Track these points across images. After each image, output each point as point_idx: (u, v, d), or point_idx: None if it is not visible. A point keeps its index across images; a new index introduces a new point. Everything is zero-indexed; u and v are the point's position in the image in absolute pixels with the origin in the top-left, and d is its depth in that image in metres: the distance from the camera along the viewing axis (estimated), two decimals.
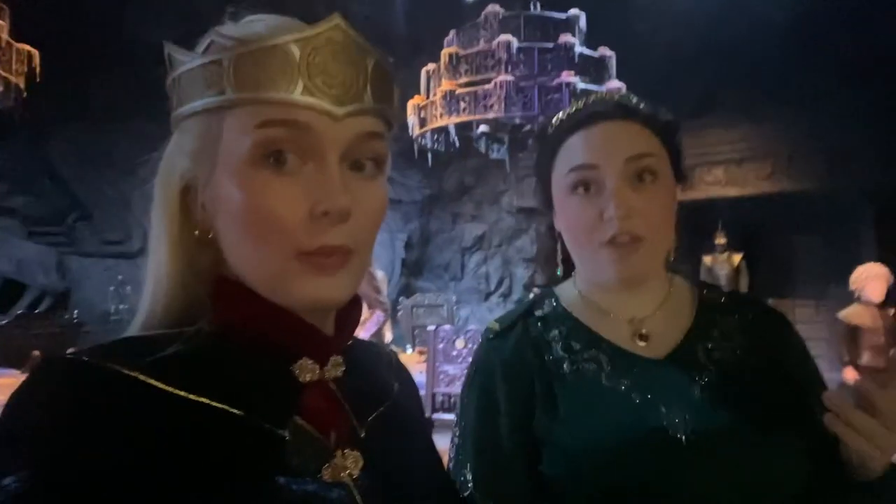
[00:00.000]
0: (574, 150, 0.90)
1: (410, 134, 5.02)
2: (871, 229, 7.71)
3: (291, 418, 0.58)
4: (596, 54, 4.58)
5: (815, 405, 0.90)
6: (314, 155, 0.56)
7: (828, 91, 7.20)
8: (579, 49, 4.49)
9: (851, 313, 5.29)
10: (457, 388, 3.42)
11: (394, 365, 0.80)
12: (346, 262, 0.57)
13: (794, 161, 8.14)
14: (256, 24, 0.59)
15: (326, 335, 0.63)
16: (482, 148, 5.54)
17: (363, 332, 3.35)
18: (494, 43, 4.37)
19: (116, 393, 0.52)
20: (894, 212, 7.04)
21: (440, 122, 4.58)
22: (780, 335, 0.96)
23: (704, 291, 0.98)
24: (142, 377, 0.53)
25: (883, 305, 5.18)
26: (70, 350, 0.55)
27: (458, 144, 5.01)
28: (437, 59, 4.93)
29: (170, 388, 0.54)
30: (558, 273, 1.00)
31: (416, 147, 5.14)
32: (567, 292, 0.98)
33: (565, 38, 4.39)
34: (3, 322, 5.16)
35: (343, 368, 0.64)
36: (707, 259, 8.63)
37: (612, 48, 4.81)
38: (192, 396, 0.54)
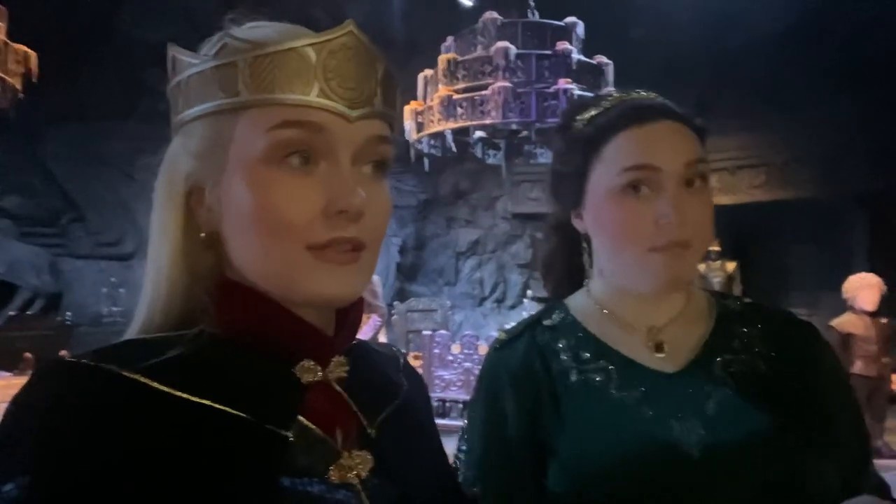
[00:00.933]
0: (629, 148, 0.84)
1: (407, 138, 5.03)
2: (864, 238, 7.76)
3: (295, 419, 0.58)
4: (593, 62, 4.60)
5: (843, 424, 0.88)
6: (327, 155, 0.57)
7: (821, 99, 7.25)
8: (577, 56, 4.51)
9: (844, 322, 5.31)
10: (452, 393, 3.42)
11: (402, 365, 0.80)
12: (358, 258, 0.58)
13: (787, 169, 8.18)
14: (264, 28, 0.60)
15: (328, 336, 0.63)
16: (478, 153, 5.55)
17: (360, 336, 3.32)
18: (492, 49, 4.38)
19: (118, 396, 0.52)
20: (888, 220, 7.08)
21: (437, 128, 4.59)
22: (808, 347, 0.90)
23: (724, 300, 0.94)
24: (143, 380, 0.53)
25: (875, 314, 5.21)
26: (70, 353, 0.54)
27: (454, 150, 5.01)
28: (433, 63, 4.95)
29: (172, 391, 0.53)
30: (588, 270, 0.94)
31: (412, 152, 5.15)
32: (579, 302, 0.94)
33: (563, 45, 4.41)
34: None
35: (346, 369, 0.64)
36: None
37: (608, 56, 4.84)
38: (194, 399, 0.54)
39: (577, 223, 0.92)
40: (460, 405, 3.30)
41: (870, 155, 7.16)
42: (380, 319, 3.27)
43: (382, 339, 5.37)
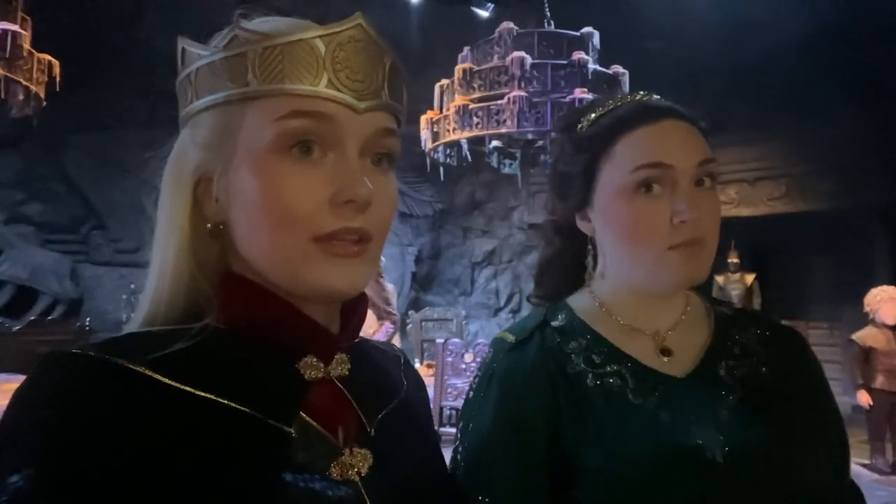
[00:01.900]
0: (642, 147, 0.83)
1: (423, 148, 5.04)
2: (885, 250, 7.64)
3: (297, 415, 0.58)
4: (609, 72, 4.59)
5: (832, 427, 0.89)
6: (335, 146, 0.57)
7: (842, 109, 7.17)
8: (592, 66, 4.51)
9: (865, 335, 5.23)
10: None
11: (403, 364, 0.80)
12: (364, 250, 0.58)
13: (807, 181, 8.09)
14: (274, 22, 0.60)
15: (331, 333, 0.63)
16: (494, 163, 5.55)
17: None
18: (508, 59, 4.40)
19: (122, 388, 0.52)
20: None
21: (453, 137, 4.60)
22: (797, 352, 0.92)
23: (718, 306, 0.95)
24: (148, 372, 0.53)
25: None
26: (75, 346, 0.54)
27: (469, 159, 5.02)
28: (450, 74, 4.97)
29: (176, 384, 0.54)
30: (591, 272, 0.92)
31: (428, 161, 5.16)
32: (582, 303, 0.92)
33: (579, 55, 4.41)
34: (16, 328, 5.20)
35: (348, 366, 0.64)
36: (720, 278, 8.57)
37: (624, 65, 4.83)
38: (198, 392, 0.54)
39: (582, 225, 0.91)
40: None
41: (891, 166, 7.06)
42: (392, 326, 3.27)
43: (396, 340, 5.37)
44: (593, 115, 0.89)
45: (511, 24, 4.79)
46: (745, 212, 8.61)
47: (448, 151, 5.09)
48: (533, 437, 0.82)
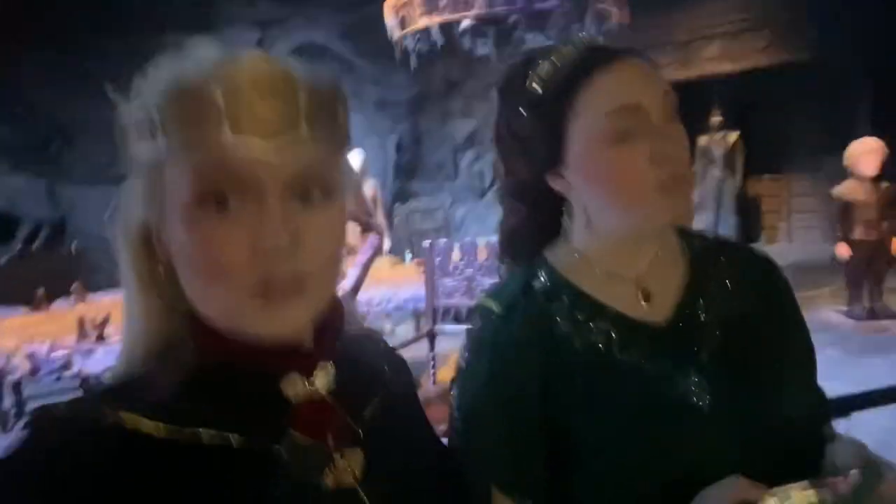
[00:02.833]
0: (606, 92, 0.81)
1: (390, 37, 4.82)
2: (869, 102, 7.55)
3: (285, 433, 0.60)
4: None
5: (801, 351, 0.92)
6: (253, 193, 0.56)
7: None
8: None
9: (844, 190, 5.30)
10: (455, 300, 3.49)
11: (382, 351, 0.81)
12: (302, 288, 0.57)
13: (790, 32, 7.84)
14: (173, 69, 0.57)
15: (307, 349, 0.64)
16: (467, 45, 5.32)
17: (360, 256, 3.36)
18: None
19: (111, 438, 0.54)
20: (893, 85, 6.85)
21: (421, 24, 4.38)
22: (769, 282, 0.94)
23: (690, 239, 0.94)
24: (134, 418, 0.55)
25: (877, 179, 5.19)
26: (62, 404, 0.56)
27: (441, 44, 4.81)
28: None
29: (161, 425, 0.56)
30: (568, 227, 0.91)
31: (397, 50, 4.94)
32: (561, 258, 0.91)
33: None
34: (4, 260, 5.20)
35: (332, 376, 0.65)
36: (702, 139, 8.51)
37: None
38: (186, 430, 0.56)
39: (556, 183, 0.88)
40: (464, 311, 3.38)
41: (878, 18, 6.80)
42: (377, 238, 3.27)
43: (386, 242, 5.39)
44: (543, 72, 0.85)
45: None
46: (727, 67, 8.41)
47: (418, 37, 4.86)
48: (528, 408, 0.83)
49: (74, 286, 4.72)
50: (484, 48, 5.54)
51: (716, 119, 8.53)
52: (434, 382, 3.33)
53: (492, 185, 9.73)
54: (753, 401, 0.82)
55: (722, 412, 0.81)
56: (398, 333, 4.58)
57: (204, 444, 0.57)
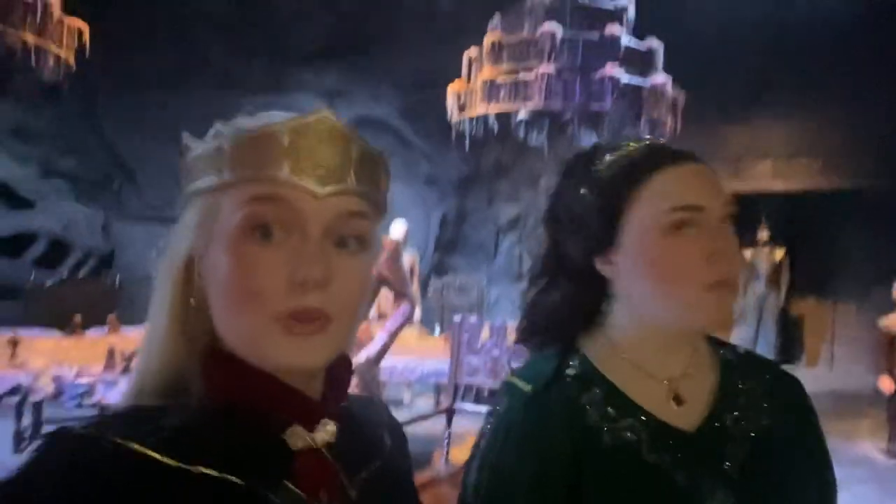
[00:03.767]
0: (675, 187, 0.85)
1: (448, 118, 5.00)
2: None
3: (283, 485, 0.61)
4: (643, 47, 4.47)
5: (822, 471, 0.91)
6: (297, 229, 0.61)
7: (882, 86, 6.90)
8: (625, 41, 4.39)
9: (892, 322, 5.15)
10: (478, 379, 3.45)
11: (386, 421, 0.82)
12: (325, 328, 0.61)
13: (844, 158, 7.85)
14: (255, 119, 0.65)
15: (314, 401, 0.66)
16: (520, 134, 5.49)
17: (389, 322, 3.37)
18: (538, 32, 4.30)
19: (118, 467, 0.56)
20: None
21: (479, 110, 4.55)
22: (797, 403, 0.93)
23: (721, 349, 0.94)
24: (141, 450, 0.57)
25: None
26: (75, 426, 0.58)
27: (496, 131, 4.97)
28: (480, 40, 4.87)
29: (167, 460, 0.57)
30: (607, 315, 0.91)
31: (453, 132, 5.13)
32: (595, 348, 0.90)
33: (612, 28, 4.30)
34: (49, 284, 5.37)
35: (334, 432, 0.66)
36: (749, 252, 8.43)
37: (661, 36, 4.69)
38: (191, 469, 0.58)
39: (604, 267, 0.89)
40: (486, 392, 3.34)
41: None
42: (409, 307, 3.29)
43: (417, 312, 5.38)
44: (608, 158, 0.89)
45: None
46: (778, 186, 8.41)
47: (474, 122, 5.04)
48: (555, 492, 0.83)
49: (110, 317, 4.82)
50: (537, 139, 5.72)
51: (763, 234, 8.47)
52: (446, 462, 3.25)
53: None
54: None
55: None
56: (417, 406, 4.51)
57: (204, 483, 0.58)
